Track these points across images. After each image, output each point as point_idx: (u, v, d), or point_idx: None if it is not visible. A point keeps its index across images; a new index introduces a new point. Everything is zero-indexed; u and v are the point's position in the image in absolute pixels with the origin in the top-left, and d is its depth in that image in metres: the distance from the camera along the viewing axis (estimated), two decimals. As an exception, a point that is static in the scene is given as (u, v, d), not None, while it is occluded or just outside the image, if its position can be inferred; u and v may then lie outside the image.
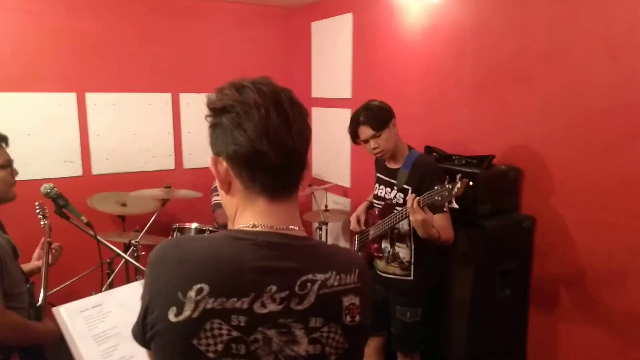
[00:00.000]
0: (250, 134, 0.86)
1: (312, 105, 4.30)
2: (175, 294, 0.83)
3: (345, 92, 3.81)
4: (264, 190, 0.91)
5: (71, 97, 3.67)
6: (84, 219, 1.95)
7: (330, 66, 3.99)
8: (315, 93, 4.25)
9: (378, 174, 2.58)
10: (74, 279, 3.07)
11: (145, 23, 3.86)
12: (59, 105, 3.63)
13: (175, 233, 3.01)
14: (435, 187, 1.98)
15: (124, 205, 3.44)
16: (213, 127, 0.93)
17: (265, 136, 0.87)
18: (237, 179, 0.91)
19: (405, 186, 2.36)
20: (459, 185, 1.86)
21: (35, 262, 2.01)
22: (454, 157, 2.66)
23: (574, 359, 2.43)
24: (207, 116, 0.95)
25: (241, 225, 0.91)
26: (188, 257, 0.86)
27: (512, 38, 2.53)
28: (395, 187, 2.41)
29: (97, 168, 3.80)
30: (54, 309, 1.27)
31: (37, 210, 2.15)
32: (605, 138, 2.18)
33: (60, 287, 3.01)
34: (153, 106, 3.98)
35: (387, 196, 2.46)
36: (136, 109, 3.91)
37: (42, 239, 2.05)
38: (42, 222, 2.12)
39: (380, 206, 2.50)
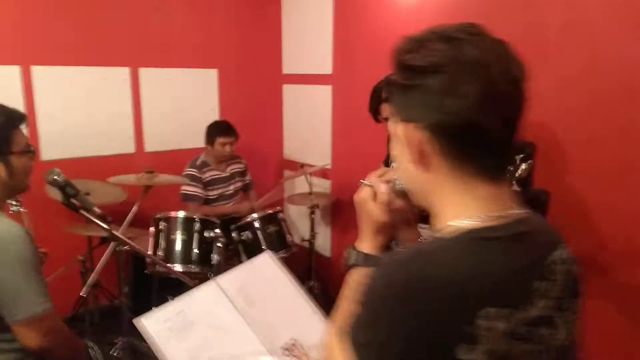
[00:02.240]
0: (470, 102, 0.68)
1: (283, 82, 4.07)
2: (458, 327, 0.66)
3: (326, 68, 3.62)
4: (484, 171, 0.73)
5: (14, 71, 3.15)
6: (97, 210, 1.63)
7: (306, 40, 3.77)
8: (287, 69, 4.01)
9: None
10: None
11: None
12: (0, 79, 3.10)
13: (160, 223, 2.68)
14: None
15: (87, 194, 3.03)
16: (407, 88, 0.74)
17: (490, 104, 0.69)
18: (440, 155, 0.73)
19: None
20: (523, 167, 1.77)
21: None
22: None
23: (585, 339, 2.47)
24: (397, 74, 0.75)
25: (463, 219, 0.73)
26: (446, 280, 0.67)
27: (526, 7, 2.47)
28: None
29: (48, 153, 3.31)
30: (135, 321, 1.03)
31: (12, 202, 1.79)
32: (625, 115, 2.18)
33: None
34: (109, 82, 3.53)
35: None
36: (90, 85, 3.45)
37: None
38: (11, 209, 1.78)
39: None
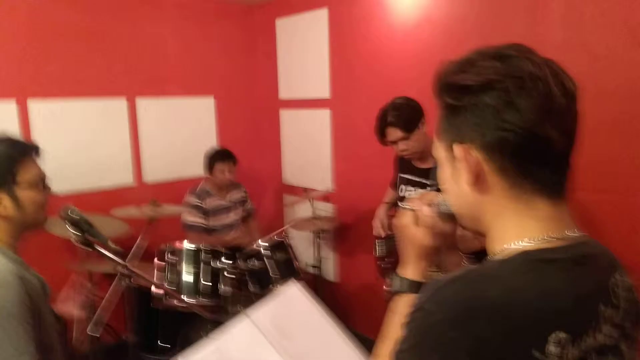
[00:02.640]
0: (529, 115, 0.67)
1: (280, 107, 4.05)
2: (528, 352, 0.63)
3: (323, 92, 3.62)
4: (543, 188, 0.71)
5: (10, 106, 3.10)
6: (113, 245, 1.58)
7: (303, 65, 3.77)
8: (284, 94, 4.01)
9: (403, 175, 2.43)
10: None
11: (95, 19, 3.37)
12: (-5, 115, 3.04)
13: (167, 255, 2.62)
14: None
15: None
16: (459, 109, 0.72)
17: (548, 117, 0.68)
18: (498, 174, 0.71)
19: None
20: None
21: (60, 304, 1.59)
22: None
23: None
24: (446, 96, 0.75)
25: (521, 241, 0.70)
26: (509, 301, 0.64)
27: (522, 26, 2.49)
28: (429, 188, 2.27)
29: (45, 187, 3.24)
30: None
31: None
32: (623, 130, 2.19)
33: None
34: (106, 113, 3.49)
35: (419, 197, 2.32)
36: (87, 116, 3.41)
37: (75, 277, 1.64)
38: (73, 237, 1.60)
39: (412, 208, 2.35)
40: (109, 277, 2.92)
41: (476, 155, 0.71)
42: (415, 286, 0.91)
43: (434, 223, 0.91)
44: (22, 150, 1.39)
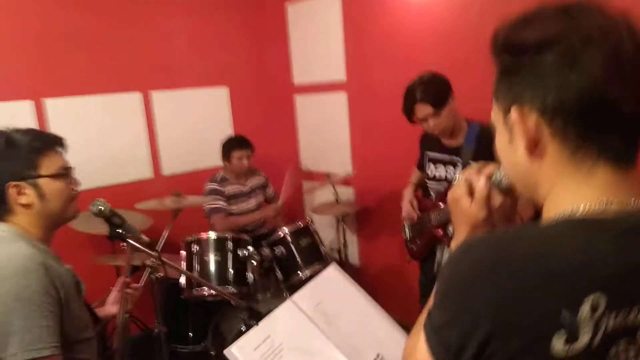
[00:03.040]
0: (594, 74, 0.61)
1: (294, 93, 4.01)
2: (557, 313, 0.59)
3: (339, 75, 3.57)
4: (608, 154, 0.66)
5: (27, 106, 3.09)
6: (145, 238, 1.57)
7: (316, 49, 3.72)
8: (298, 79, 3.96)
9: (430, 153, 2.39)
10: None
11: (105, 18, 3.34)
12: (13, 116, 3.03)
13: (193, 246, 2.61)
14: None
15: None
16: (517, 69, 0.68)
17: (618, 76, 0.61)
18: (559, 138, 0.66)
19: (473, 163, 2.19)
20: None
21: (110, 307, 1.59)
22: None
23: None
24: (502, 55, 0.70)
25: (579, 207, 0.66)
26: (542, 255, 0.61)
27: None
28: (459, 165, 2.23)
29: (66, 185, 3.24)
30: (226, 352, 0.97)
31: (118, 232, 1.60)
32: None
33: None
34: (121, 108, 3.47)
35: (449, 176, 2.28)
36: (103, 112, 3.39)
37: (120, 278, 1.64)
38: (123, 244, 1.61)
39: (440, 187, 2.32)
40: (136, 270, 2.92)
41: (535, 118, 0.66)
42: None
43: (489, 195, 0.87)
44: (45, 142, 1.39)
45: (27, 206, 1.32)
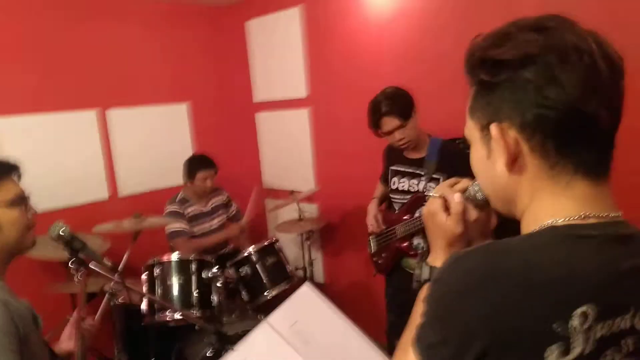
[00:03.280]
0: (572, 90, 0.63)
1: (255, 111, 3.99)
2: (548, 326, 0.60)
3: (300, 92, 3.57)
4: (584, 168, 0.68)
5: (-27, 125, 2.93)
6: (107, 262, 1.49)
7: (277, 66, 3.72)
8: (258, 97, 3.94)
9: (393, 167, 2.41)
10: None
11: (59, 31, 3.23)
12: (-43, 136, 2.87)
13: (155, 270, 2.52)
14: None
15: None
16: (495, 86, 0.68)
17: (593, 92, 0.64)
18: (536, 153, 0.68)
19: (435, 175, 2.22)
20: None
21: (65, 343, 1.50)
22: (458, 141, 2.58)
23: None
24: (480, 72, 0.70)
25: (559, 219, 0.67)
26: (532, 268, 0.62)
27: (498, 19, 2.51)
28: (423, 177, 2.26)
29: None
30: None
31: (73, 267, 1.53)
32: None
33: None
34: (76, 127, 3.35)
35: (412, 188, 2.30)
36: (57, 131, 3.26)
37: (74, 313, 1.55)
38: (75, 277, 1.54)
39: (404, 201, 2.34)
40: (93, 297, 2.78)
41: (514, 134, 0.67)
42: None
43: (465, 210, 0.88)
44: (0, 170, 1.33)
45: None
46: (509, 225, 0.87)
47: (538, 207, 0.70)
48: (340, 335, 1.26)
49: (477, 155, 0.76)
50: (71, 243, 1.43)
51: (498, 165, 0.71)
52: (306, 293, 1.32)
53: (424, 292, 0.88)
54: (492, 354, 0.60)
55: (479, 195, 0.86)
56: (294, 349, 1.11)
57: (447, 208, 0.89)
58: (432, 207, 0.91)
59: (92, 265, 1.47)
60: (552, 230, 0.66)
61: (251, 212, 3.28)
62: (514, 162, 0.69)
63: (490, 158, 0.72)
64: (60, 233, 1.40)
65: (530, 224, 0.71)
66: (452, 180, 0.94)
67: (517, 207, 0.74)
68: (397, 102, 2.14)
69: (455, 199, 0.88)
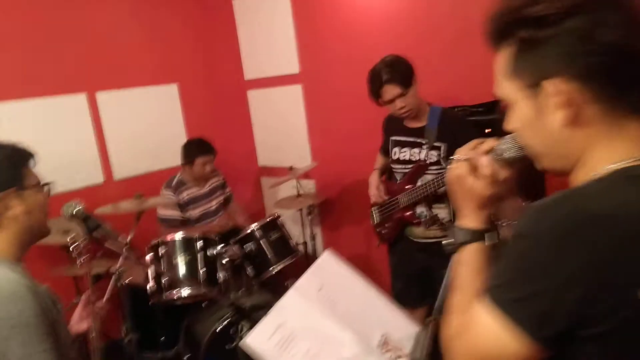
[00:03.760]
0: (621, 31, 0.65)
1: (247, 89, 3.95)
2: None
3: (292, 67, 3.55)
4: (638, 107, 0.69)
5: (-39, 112, 2.87)
6: (122, 240, 1.50)
7: (267, 43, 3.67)
8: (250, 74, 3.90)
9: (394, 138, 2.41)
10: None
11: (46, 12, 3.15)
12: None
13: (159, 250, 2.51)
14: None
15: (66, 232, 2.80)
16: (534, 44, 0.69)
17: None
18: (592, 102, 0.68)
19: (436, 144, 2.24)
20: None
21: (77, 325, 1.50)
22: (457, 109, 2.59)
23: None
24: (517, 32, 0.71)
25: (611, 164, 0.68)
26: (616, 214, 0.63)
27: None
28: (424, 146, 2.27)
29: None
30: (241, 344, 0.96)
31: (72, 246, 1.55)
32: None
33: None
34: (66, 111, 3.29)
35: (413, 158, 2.32)
36: (47, 117, 3.20)
37: (85, 295, 1.54)
38: (78, 261, 1.54)
39: (406, 170, 2.35)
40: (98, 280, 2.78)
41: (569, 87, 0.68)
42: (480, 235, 0.89)
43: (494, 171, 0.88)
44: (24, 155, 1.36)
45: (13, 220, 1.26)
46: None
47: (592, 156, 0.71)
48: (365, 298, 1.29)
49: (523, 116, 0.76)
50: (86, 222, 1.42)
51: (552, 122, 0.71)
52: (328, 259, 1.34)
53: (461, 255, 0.89)
54: (591, 301, 0.61)
55: (507, 154, 0.86)
56: (324, 311, 1.13)
57: (474, 171, 0.90)
58: (458, 171, 0.91)
59: (107, 244, 1.46)
60: (618, 172, 0.67)
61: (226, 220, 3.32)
62: (572, 115, 0.69)
63: (542, 116, 0.72)
64: (74, 212, 1.39)
65: (587, 173, 0.71)
66: (474, 142, 0.94)
67: (570, 161, 0.74)
68: (397, 70, 2.14)
69: (484, 161, 0.88)
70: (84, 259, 1.53)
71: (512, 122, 0.79)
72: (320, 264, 1.29)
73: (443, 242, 0.97)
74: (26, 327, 1.13)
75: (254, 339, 0.96)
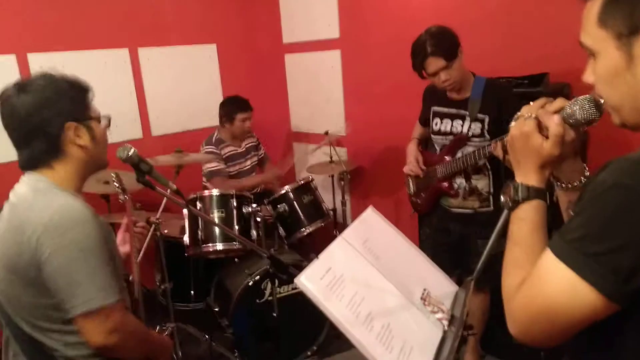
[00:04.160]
0: None
1: (285, 52, 3.94)
2: None
3: (332, 32, 3.52)
4: None
5: (10, 61, 2.94)
6: (173, 186, 1.54)
7: (307, 6, 3.65)
8: (288, 38, 3.89)
9: (435, 108, 2.39)
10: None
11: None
12: (-6, 71, 2.89)
13: (197, 204, 2.58)
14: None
15: (106, 183, 2.89)
16: None
17: None
18: None
19: (480, 115, 2.21)
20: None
21: (120, 248, 1.57)
22: (502, 80, 2.53)
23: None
24: None
25: None
26: None
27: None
28: (467, 118, 2.25)
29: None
30: (296, 280, 1.01)
31: (115, 183, 1.67)
32: None
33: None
34: (108, 65, 3.35)
35: (455, 130, 2.30)
36: (89, 69, 3.26)
37: (124, 219, 1.62)
38: (120, 197, 1.66)
39: (446, 142, 2.34)
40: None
41: None
42: (541, 193, 0.90)
43: (563, 131, 0.87)
44: (86, 87, 1.38)
45: (82, 149, 1.31)
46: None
47: None
48: (407, 255, 1.32)
49: (610, 66, 0.75)
50: (139, 165, 1.46)
51: None
52: (371, 215, 1.36)
53: (519, 212, 0.90)
54: None
55: (579, 115, 0.86)
56: (369, 262, 1.16)
57: (541, 129, 0.89)
58: (525, 128, 0.90)
59: (158, 188, 1.51)
60: None
61: (286, 165, 3.42)
62: None
63: (632, 67, 0.72)
64: (129, 154, 1.44)
65: None
66: (542, 100, 0.94)
67: None
68: (442, 42, 2.10)
69: (555, 120, 0.87)
70: (126, 194, 1.66)
71: (595, 72, 0.78)
72: (364, 218, 1.32)
73: (501, 197, 0.96)
74: (91, 250, 1.20)
75: (308, 278, 1.00)
